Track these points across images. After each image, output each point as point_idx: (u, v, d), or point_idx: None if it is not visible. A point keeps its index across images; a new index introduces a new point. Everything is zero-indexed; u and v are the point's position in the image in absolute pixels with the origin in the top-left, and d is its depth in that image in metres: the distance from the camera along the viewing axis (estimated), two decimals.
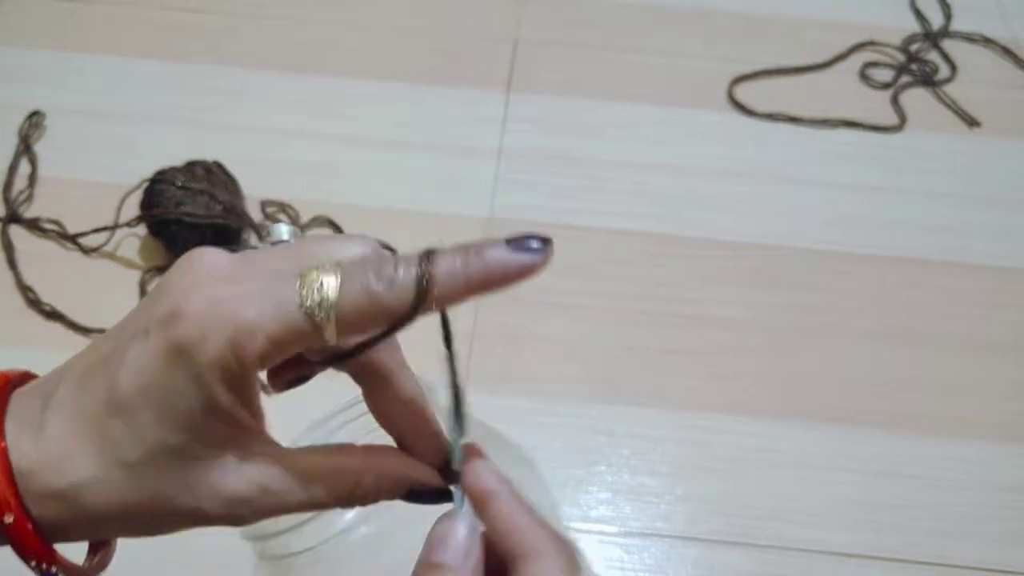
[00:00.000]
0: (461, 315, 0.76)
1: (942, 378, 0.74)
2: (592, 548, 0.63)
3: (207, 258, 0.31)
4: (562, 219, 0.83)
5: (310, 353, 0.33)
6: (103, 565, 0.35)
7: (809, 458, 0.69)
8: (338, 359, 0.32)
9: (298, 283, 0.29)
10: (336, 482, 0.32)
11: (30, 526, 0.30)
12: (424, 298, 0.29)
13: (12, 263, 0.76)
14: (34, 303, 0.73)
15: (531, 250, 0.30)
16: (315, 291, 0.29)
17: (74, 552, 0.33)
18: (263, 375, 0.34)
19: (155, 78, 0.93)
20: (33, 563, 0.31)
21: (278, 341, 0.29)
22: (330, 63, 0.96)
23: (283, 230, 0.71)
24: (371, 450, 0.33)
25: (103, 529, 0.32)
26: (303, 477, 0.32)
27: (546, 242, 0.30)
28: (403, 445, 0.34)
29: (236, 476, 0.31)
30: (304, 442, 0.46)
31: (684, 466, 0.68)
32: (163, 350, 0.29)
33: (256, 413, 0.32)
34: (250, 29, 1.00)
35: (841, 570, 0.63)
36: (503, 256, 0.29)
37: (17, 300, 0.74)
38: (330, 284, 0.29)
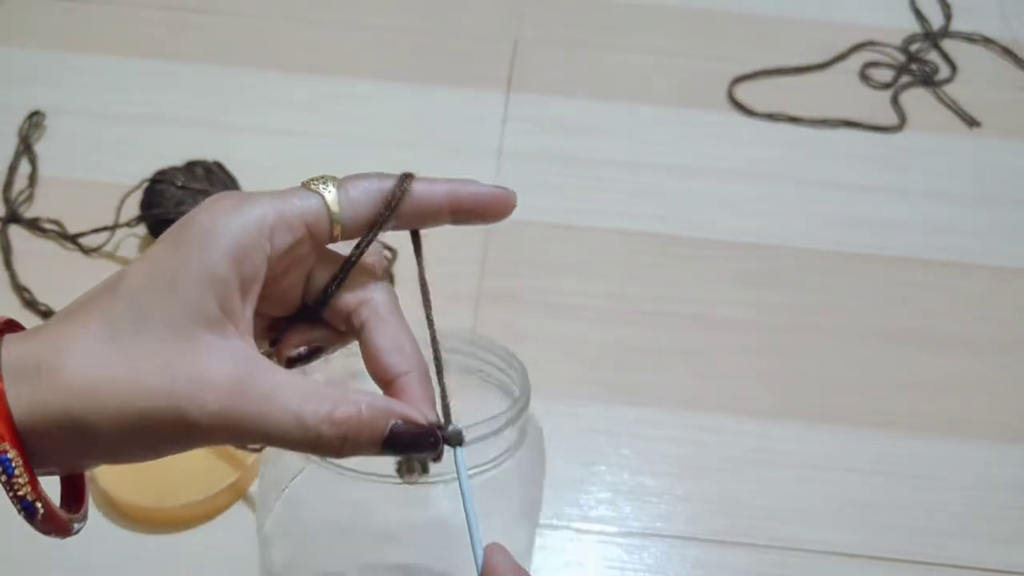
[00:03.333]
0: (461, 315, 0.76)
1: (942, 378, 0.74)
2: (592, 548, 0.63)
3: (218, 195, 0.34)
4: (562, 219, 0.83)
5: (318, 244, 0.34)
6: (79, 515, 0.34)
7: (809, 458, 0.69)
8: (338, 277, 0.35)
9: (302, 186, 0.34)
10: (314, 398, 0.31)
11: (5, 403, 0.30)
12: (407, 184, 0.35)
13: (8, 263, 0.76)
14: (30, 303, 0.73)
15: (503, 188, 0.36)
16: (317, 182, 0.34)
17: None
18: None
19: (155, 78, 0.93)
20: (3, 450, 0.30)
21: (286, 216, 0.33)
22: (330, 63, 0.96)
23: None
24: (353, 384, 0.33)
25: (75, 419, 0.30)
26: (282, 384, 0.31)
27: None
28: (390, 391, 0.34)
29: (216, 360, 0.31)
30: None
31: (684, 466, 0.68)
32: (174, 236, 0.32)
33: (248, 319, 0.32)
34: (250, 29, 1.00)
35: (841, 570, 0.63)
36: (479, 186, 0.36)
37: (13, 300, 0.74)
38: (329, 181, 0.35)
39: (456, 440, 0.34)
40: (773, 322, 0.77)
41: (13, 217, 0.79)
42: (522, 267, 0.79)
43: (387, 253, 0.75)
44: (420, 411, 0.33)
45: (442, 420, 0.34)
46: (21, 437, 0.30)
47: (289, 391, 0.31)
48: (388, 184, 0.35)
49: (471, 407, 0.34)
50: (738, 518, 0.65)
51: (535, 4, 1.06)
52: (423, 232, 0.36)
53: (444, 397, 0.34)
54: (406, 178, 0.35)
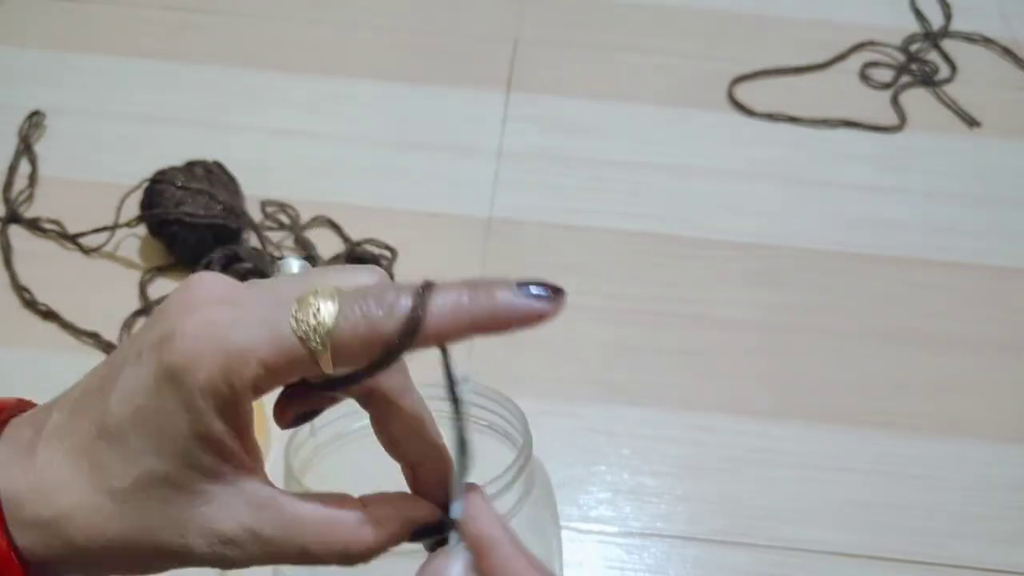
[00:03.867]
0: None
1: (942, 378, 0.74)
2: (592, 548, 0.63)
3: (206, 282, 0.30)
4: (562, 219, 0.83)
5: (312, 377, 0.31)
6: None
7: (809, 458, 0.69)
8: (340, 385, 0.31)
9: (295, 307, 0.29)
10: (330, 533, 0.30)
11: (14, 556, 0.29)
12: (417, 326, 0.28)
13: (8, 263, 0.76)
14: (30, 304, 0.73)
15: (541, 297, 0.29)
16: (311, 316, 0.28)
17: None
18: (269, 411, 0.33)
19: (155, 78, 0.93)
20: None
21: (272, 367, 0.29)
22: (330, 63, 0.96)
23: (293, 264, 0.70)
24: (368, 499, 0.32)
25: (87, 565, 0.31)
26: (295, 525, 0.30)
27: (557, 292, 0.29)
28: (408, 471, 0.33)
29: (225, 513, 0.30)
30: (298, 450, 0.45)
31: (684, 466, 0.68)
32: (155, 373, 0.29)
33: (251, 449, 0.31)
34: (250, 29, 1.00)
35: (841, 570, 0.63)
36: (511, 298, 0.29)
37: (13, 300, 0.74)
38: (327, 310, 0.29)
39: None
40: (773, 322, 0.77)
41: (13, 217, 0.79)
42: (522, 267, 0.79)
43: (386, 253, 0.75)
44: (434, 509, 0.32)
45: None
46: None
47: (303, 530, 0.30)
48: (390, 326, 0.29)
49: (475, 458, 0.33)
50: (738, 518, 0.65)
51: (535, 4, 1.06)
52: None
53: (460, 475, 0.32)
54: (410, 328, 0.29)
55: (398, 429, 0.33)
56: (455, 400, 0.31)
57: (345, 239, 0.78)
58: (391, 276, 0.71)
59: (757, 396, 0.72)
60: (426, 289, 0.29)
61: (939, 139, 0.94)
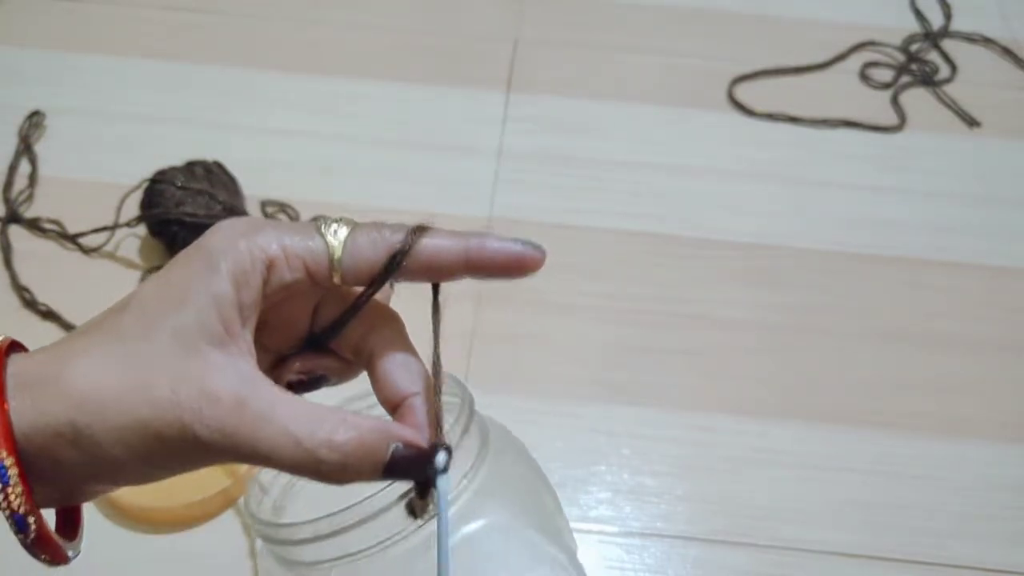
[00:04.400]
0: (461, 315, 0.76)
1: (942, 378, 0.74)
2: (592, 548, 0.63)
3: (231, 220, 0.34)
4: (562, 219, 0.83)
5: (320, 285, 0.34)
6: (73, 544, 0.33)
7: (809, 458, 0.69)
8: (346, 319, 0.35)
9: (315, 223, 0.34)
10: (313, 421, 0.31)
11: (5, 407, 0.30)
12: (415, 241, 0.33)
13: (8, 263, 0.76)
14: (30, 304, 0.73)
15: (528, 245, 0.34)
16: (330, 227, 0.34)
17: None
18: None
19: (155, 78, 0.93)
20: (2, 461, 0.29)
21: (290, 250, 0.32)
22: (330, 63, 0.96)
23: None
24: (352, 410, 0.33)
25: (78, 440, 0.30)
26: (282, 404, 0.31)
27: (541, 249, 0.34)
28: (398, 415, 0.34)
29: (219, 376, 0.31)
30: (259, 511, 0.45)
31: (684, 466, 0.68)
32: (186, 254, 0.33)
33: (248, 342, 0.32)
34: (250, 29, 1.00)
35: (841, 570, 0.63)
36: (502, 242, 0.34)
37: (13, 300, 0.74)
38: (342, 228, 0.34)
39: (444, 461, 0.33)
40: (773, 322, 0.77)
41: (13, 217, 0.79)
42: None
43: None
44: (423, 434, 0.33)
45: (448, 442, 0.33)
46: (20, 448, 0.29)
47: (288, 412, 0.31)
48: (398, 237, 0.33)
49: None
50: (738, 518, 0.65)
51: (535, 4, 1.06)
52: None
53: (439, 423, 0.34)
54: (414, 233, 0.34)
55: (392, 365, 0.34)
56: (436, 326, 0.35)
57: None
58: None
59: (757, 396, 0.72)
60: (423, 227, 0.34)
61: (939, 139, 0.94)
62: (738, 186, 0.88)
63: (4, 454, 0.29)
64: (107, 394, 0.30)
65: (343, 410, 0.32)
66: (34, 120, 0.87)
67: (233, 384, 0.31)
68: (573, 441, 0.68)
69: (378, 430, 0.31)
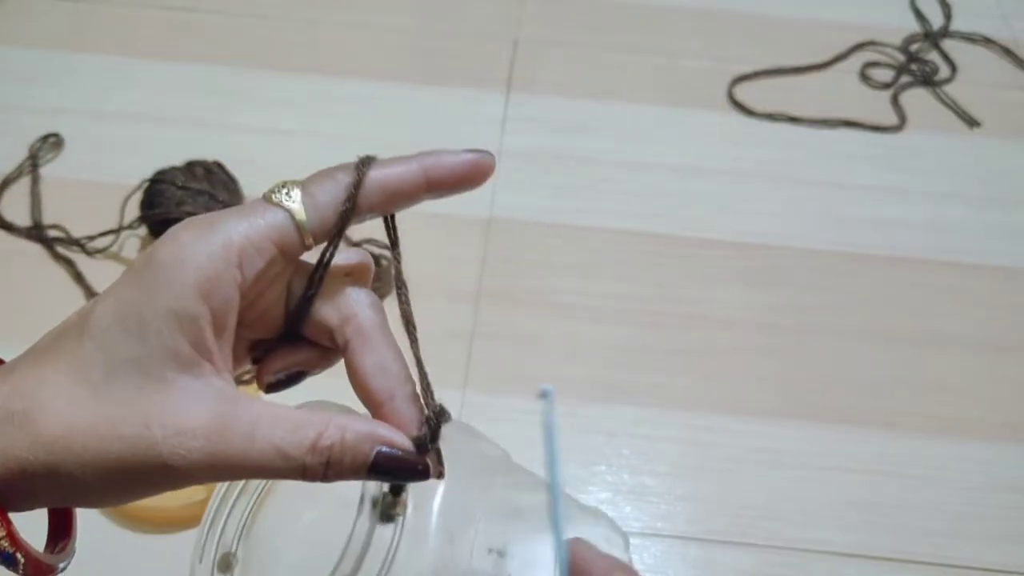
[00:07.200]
0: (461, 315, 0.76)
1: (942, 378, 0.74)
2: None
3: (179, 225, 0.32)
4: (562, 219, 0.83)
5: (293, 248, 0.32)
6: (64, 554, 0.33)
7: (809, 458, 0.69)
8: (315, 278, 0.33)
9: (266, 195, 0.32)
10: (297, 429, 0.30)
11: None
12: (367, 169, 0.32)
13: (10, 264, 0.76)
14: (31, 303, 0.73)
15: (479, 151, 0.33)
16: (278, 190, 0.32)
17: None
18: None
19: (155, 78, 0.93)
20: None
21: (254, 237, 0.31)
22: (330, 63, 0.96)
23: None
24: (339, 408, 0.32)
25: (50, 474, 0.30)
26: (265, 418, 0.30)
27: (489, 153, 0.34)
28: (379, 414, 0.33)
29: (193, 403, 0.30)
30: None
31: (684, 466, 0.68)
32: (139, 265, 0.31)
33: (225, 354, 0.31)
34: (250, 29, 1.00)
35: (841, 570, 0.63)
36: (455, 154, 0.33)
37: (13, 301, 0.73)
38: (292, 187, 0.32)
39: (440, 420, 0.33)
40: (773, 322, 0.77)
41: (8, 226, 0.79)
42: (522, 267, 0.79)
43: (386, 253, 0.75)
44: (407, 435, 0.32)
45: (428, 412, 0.33)
46: None
47: (270, 424, 0.30)
48: (348, 174, 0.32)
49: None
50: (738, 518, 0.65)
51: (535, 4, 1.06)
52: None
53: (424, 379, 0.33)
54: (363, 164, 0.32)
55: (370, 363, 0.33)
56: (397, 260, 0.35)
57: (345, 239, 0.77)
58: (392, 276, 0.71)
59: (757, 396, 0.72)
60: (369, 158, 0.33)
61: (939, 139, 0.94)
62: (738, 186, 0.88)
63: None
64: (79, 435, 0.29)
65: (327, 412, 0.31)
66: (51, 141, 0.85)
67: (208, 408, 0.30)
68: (573, 441, 0.68)
69: (361, 433, 0.31)
